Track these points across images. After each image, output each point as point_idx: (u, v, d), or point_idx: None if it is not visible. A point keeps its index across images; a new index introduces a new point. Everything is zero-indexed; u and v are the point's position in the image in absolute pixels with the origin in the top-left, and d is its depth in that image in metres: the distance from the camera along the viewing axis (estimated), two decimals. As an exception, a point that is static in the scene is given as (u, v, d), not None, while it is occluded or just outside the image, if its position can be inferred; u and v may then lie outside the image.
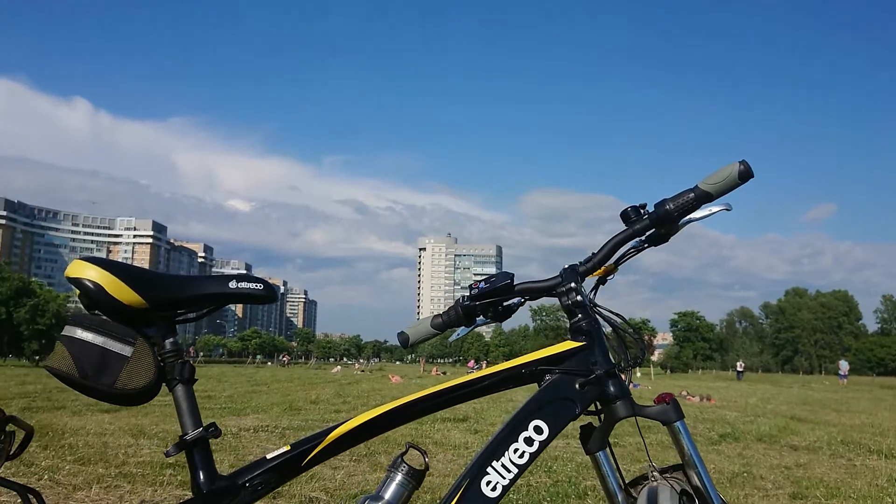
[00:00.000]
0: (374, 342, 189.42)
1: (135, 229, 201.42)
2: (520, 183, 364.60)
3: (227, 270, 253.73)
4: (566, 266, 1.48)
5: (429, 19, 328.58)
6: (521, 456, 1.30)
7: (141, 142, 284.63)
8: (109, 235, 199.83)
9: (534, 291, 1.48)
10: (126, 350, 1.21)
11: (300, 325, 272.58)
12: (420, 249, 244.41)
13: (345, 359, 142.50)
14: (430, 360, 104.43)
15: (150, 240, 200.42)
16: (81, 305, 1.26)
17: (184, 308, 1.29)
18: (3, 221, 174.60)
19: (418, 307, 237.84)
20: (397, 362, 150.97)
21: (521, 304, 1.52)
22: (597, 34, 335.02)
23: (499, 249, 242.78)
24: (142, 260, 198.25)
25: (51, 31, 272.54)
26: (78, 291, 1.24)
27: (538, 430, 1.32)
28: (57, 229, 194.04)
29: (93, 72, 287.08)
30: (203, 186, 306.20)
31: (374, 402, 13.56)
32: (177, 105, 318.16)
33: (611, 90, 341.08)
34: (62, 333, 1.22)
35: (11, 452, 1.20)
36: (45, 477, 4.44)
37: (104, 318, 1.23)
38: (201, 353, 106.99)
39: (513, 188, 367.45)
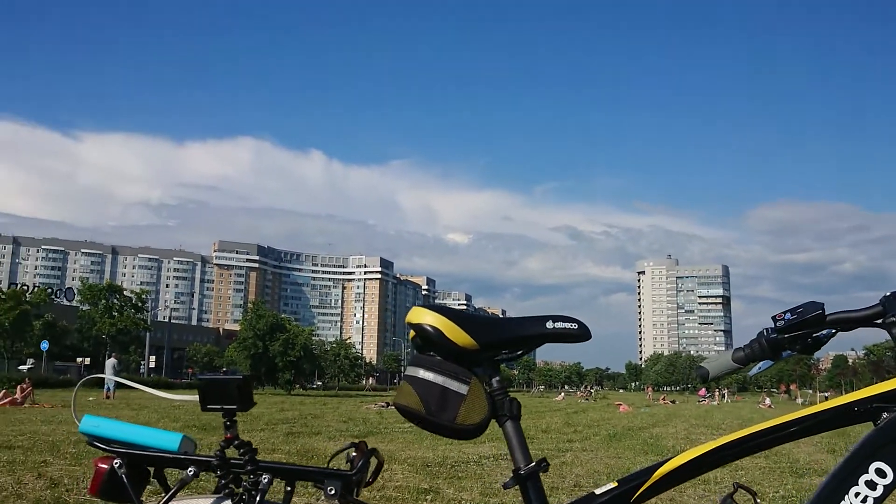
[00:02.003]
0: (596, 369, 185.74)
1: (365, 266, 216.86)
2: (742, 197, 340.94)
3: (449, 302, 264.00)
4: (887, 294, 1.33)
5: (623, 49, 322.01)
6: (864, 501, 1.20)
7: (368, 185, 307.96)
8: (344, 273, 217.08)
9: (850, 322, 1.35)
10: (462, 388, 1.31)
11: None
12: (639, 273, 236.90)
13: (566, 386, 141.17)
14: (657, 388, 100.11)
15: (379, 275, 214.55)
16: (414, 347, 1.40)
17: (507, 348, 1.40)
18: (256, 265, 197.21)
19: (640, 333, 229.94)
20: (621, 390, 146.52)
21: (832, 335, 1.39)
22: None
23: (725, 269, 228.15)
24: (372, 294, 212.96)
25: (288, 95, 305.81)
26: (412, 333, 1.37)
27: (881, 473, 1.20)
28: (300, 269, 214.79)
29: (325, 127, 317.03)
30: (424, 222, 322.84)
31: (604, 432, 13.28)
32: (397, 149, 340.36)
33: (848, 84, 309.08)
34: (406, 374, 1.36)
35: (368, 479, 1.35)
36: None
37: (439, 358, 1.34)
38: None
39: (735, 203, 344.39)
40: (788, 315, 1.36)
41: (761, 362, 1.45)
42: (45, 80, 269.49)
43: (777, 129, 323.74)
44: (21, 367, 43.60)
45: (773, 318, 1.38)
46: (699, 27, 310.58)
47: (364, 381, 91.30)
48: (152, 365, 67.18)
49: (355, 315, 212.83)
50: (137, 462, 1.34)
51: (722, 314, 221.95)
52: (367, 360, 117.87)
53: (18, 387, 20.61)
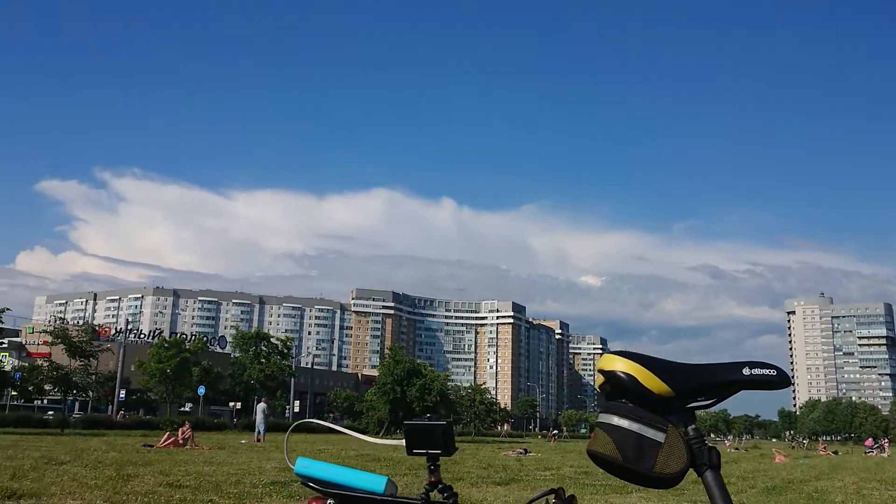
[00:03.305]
0: (744, 417, 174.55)
1: (497, 311, 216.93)
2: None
3: (583, 346, 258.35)
4: None
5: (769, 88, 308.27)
6: None
7: (499, 230, 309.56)
8: (476, 318, 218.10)
9: None
10: (659, 436, 1.29)
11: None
12: (788, 313, 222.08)
13: (712, 434, 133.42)
14: (813, 438, 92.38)
15: (512, 320, 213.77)
16: (602, 394, 1.40)
17: (702, 396, 1.37)
18: (391, 311, 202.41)
19: (793, 377, 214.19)
20: (773, 439, 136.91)
21: None
22: None
23: (888, 308, 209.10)
24: (505, 339, 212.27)
25: (420, 147, 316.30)
26: (600, 380, 1.37)
27: None
28: (433, 315, 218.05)
29: (455, 176, 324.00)
30: (556, 265, 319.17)
31: (761, 484, 12.46)
32: (527, 195, 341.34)
33: None
34: (599, 420, 1.35)
35: None
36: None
37: (632, 405, 1.33)
38: (565, 429, 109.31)
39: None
40: None
41: None
42: (202, 145, 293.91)
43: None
44: (181, 410, 46.79)
45: None
46: (854, 50, 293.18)
47: (499, 427, 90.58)
48: (296, 409, 69.95)
49: (489, 360, 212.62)
50: (348, 503, 1.44)
51: (887, 356, 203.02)
52: (502, 406, 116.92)
53: (180, 429, 22.06)
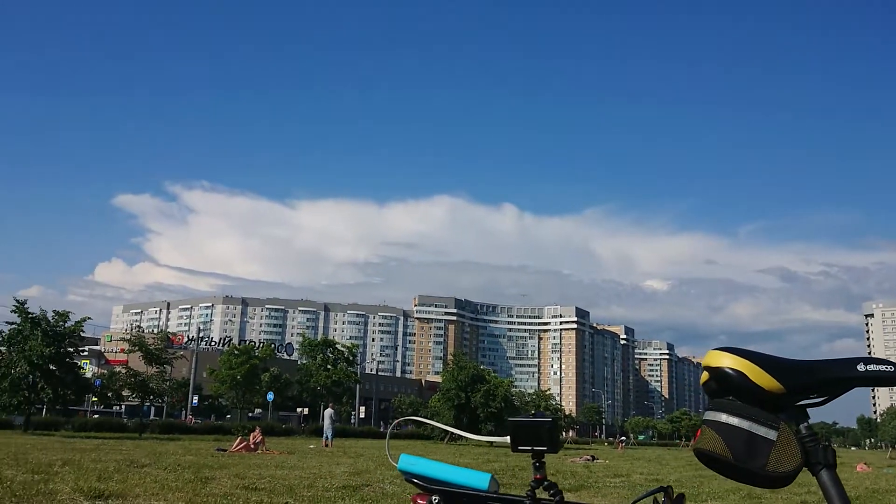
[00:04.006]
0: (821, 423, 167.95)
1: (560, 316, 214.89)
2: None
3: (649, 351, 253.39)
4: None
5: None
6: None
7: (561, 235, 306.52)
8: (539, 324, 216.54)
9: None
10: (771, 434, 1.25)
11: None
12: (866, 316, 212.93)
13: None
14: (893, 446, 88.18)
15: (575, 325, 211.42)
16: (707, 392, 1.36)
17: (814, 393, 1.33)
18: (454, 317, 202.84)
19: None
20: (853, 448, 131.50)
21: None
22: None
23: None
24: (568, 344, 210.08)
25: (481, 152, 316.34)
26: (705, 376, 1.34)
27: None
28: (496, 321, 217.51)
29: (516, 182, 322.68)
30: (620, 270, 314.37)
31: (844, 494, 11.94)
32: (589, 199, 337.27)
33: None
34: (706, 418, 1.32)
35: None
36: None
37: (741, 403, 1.29)
38: (632, 436, 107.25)
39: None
40: None
41: None
42: (267, 157, 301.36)
43: None
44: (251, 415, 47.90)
45: None
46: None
47: (564, 434, 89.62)
48: (362, 415, 70.88)
49: (552, 366, 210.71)
50: (453, 499, 1.46)
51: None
52: (567, 412, 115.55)
53: (251, 434, 22.62)
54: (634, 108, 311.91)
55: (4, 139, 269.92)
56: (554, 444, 1.41)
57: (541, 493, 1.41)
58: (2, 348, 28.66)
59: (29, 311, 28.83)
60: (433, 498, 1.44)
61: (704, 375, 1.34)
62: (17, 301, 29.01)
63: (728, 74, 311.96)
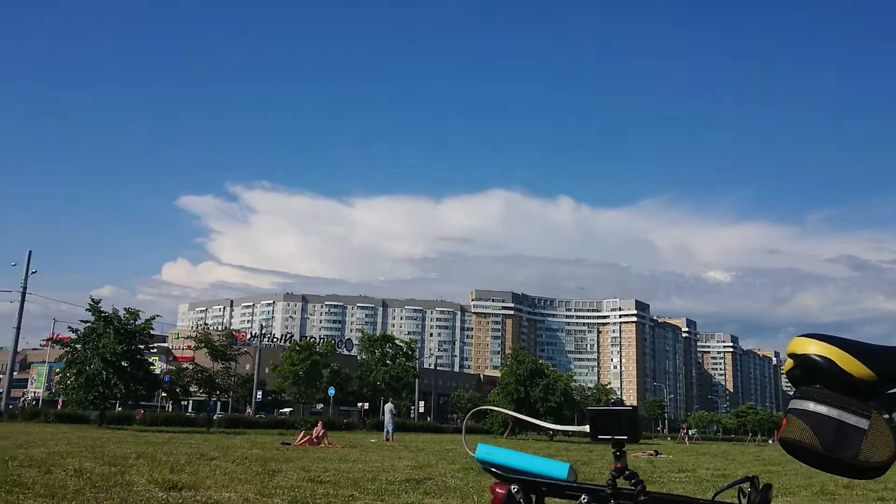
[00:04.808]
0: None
1: (620, 309, 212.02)
2: None
3: (713, 344, 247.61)
4: None
5: None
6: None
7: (618, 227, 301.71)
8: (598, 317, 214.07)
9: None
10: (862, 423, 1.21)
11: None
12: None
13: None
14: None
15: (635, 318, 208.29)
16: (790, 380, 1.32)
17: None
18: (511, 312, 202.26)
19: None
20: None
21: None
22: None
23: None
24: (628, 338, 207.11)
25: (535, 145, 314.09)
26: (788, 364, 1.30)
27: None
28: (554, 315, 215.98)
29: (572, 174, 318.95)
30: (680, 261, 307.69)
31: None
32: (648, 188, 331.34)
33: None
34: (791, 407, 1.28)
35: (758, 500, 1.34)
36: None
37: (828, 391, 1.24)
38: (695, 430, 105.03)
39: None
40: None
41: None
42: (324, 155, 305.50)
43: None
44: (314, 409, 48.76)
45: None
46: None
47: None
48: (421, 410, 71.29)
49: (612, 360, 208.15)
50: (532, 488, 1.45)
51: None
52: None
53: (314, 429, 23.02)
54: (691, 100, 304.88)
55: (77, 145, 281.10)
56: (635, 432, 1.38)
57: (621, 483, 1.39)
58: (77, 346, 29.76)
59: (102, 310, 29.93)
60: (512, 487, 1.43)
61: (788, 363, 1.30)
62: (93, 300, 30.18)
63: (790, 64, 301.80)
